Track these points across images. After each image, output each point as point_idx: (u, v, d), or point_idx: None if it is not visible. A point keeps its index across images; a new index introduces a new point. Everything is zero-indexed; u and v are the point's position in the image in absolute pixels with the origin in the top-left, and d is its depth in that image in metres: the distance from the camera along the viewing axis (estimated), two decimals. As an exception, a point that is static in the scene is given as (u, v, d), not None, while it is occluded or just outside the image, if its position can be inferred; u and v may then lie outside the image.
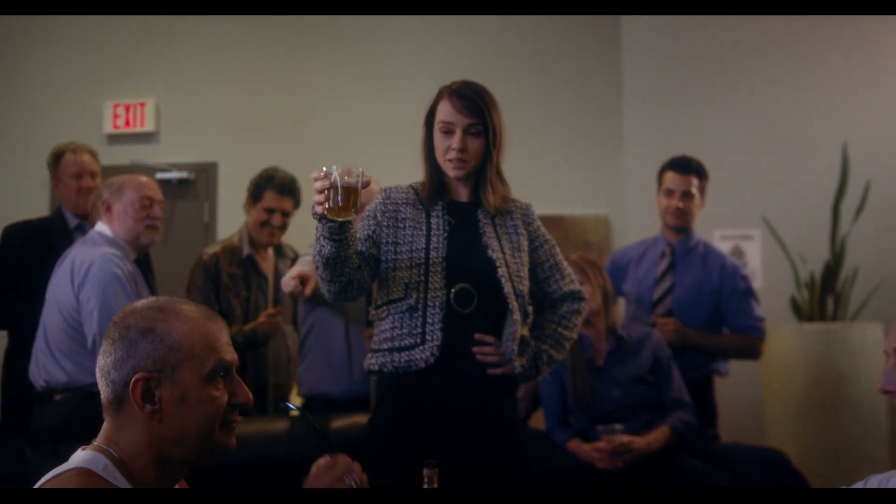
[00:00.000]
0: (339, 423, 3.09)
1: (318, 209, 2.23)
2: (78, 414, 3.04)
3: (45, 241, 3.71)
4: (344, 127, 5.64)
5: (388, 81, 5.59)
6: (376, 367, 2.49)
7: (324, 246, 2.31)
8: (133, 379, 1.49)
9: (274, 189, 3.76)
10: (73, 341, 3.08)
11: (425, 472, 2.04)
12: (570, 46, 5.50)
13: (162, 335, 1.50)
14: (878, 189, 4.57)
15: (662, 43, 5.08)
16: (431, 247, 2.45)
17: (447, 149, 2.47)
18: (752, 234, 4.91)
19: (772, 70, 4.95)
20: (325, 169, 2.19)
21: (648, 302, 3.69)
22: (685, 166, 3.70)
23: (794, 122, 4.90)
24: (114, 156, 5.64)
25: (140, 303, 1.57)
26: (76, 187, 3.80)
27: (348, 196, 2.19)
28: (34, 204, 5.56)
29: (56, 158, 3.89)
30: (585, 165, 5.46)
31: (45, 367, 3.11)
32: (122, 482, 1.48)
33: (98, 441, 1.54)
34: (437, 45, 5.51)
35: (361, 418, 3.05)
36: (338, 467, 1.60)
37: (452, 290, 2.44)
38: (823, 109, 4.88)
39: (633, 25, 5.11)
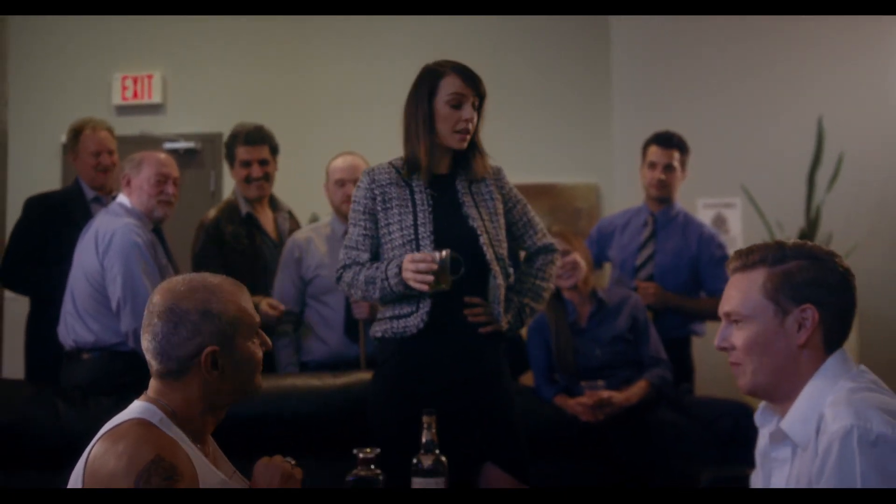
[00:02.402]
0: (344, 379, 3.34)
1: (423, 288, 2.56)
2: (104, 371, 3.28)
3: (64, 211, 3.86)
4: (343, 98, 5.82)
5: (386, 56, 5.76)
6: (379, 334, 2.74)
7: (388, 293, 2.64)
8: (204, 354, 1.76)
9: (241, 143, 3.82)
10: (99, 304, 3.28)
11: (424, 418, 2.31)
12: (564, 36, 5.70)
13: (219, 314, 1.78)
14: (850, 160, 4.78)
15: (650, 26, 5.24)
16: (419, 222, 2.66)
17: (458, 120, 2.63)
18: (733, 203, 5.14)
19: (751, 51, 5.14)
20: (427, 253, 2.57)
21: (632, 267, 3.92)
22: (667, 141, 3.91)
23: (772, 99, 5.10)
24: (122, 126, 5.76)
25: (181, 286, 1.81)
26: (94, 163, 3.91)
27: (445, 273, 2.56)
28: (47, 173, 5.74)
29: (75, 134, 3.99)
30: (577, 137, 5.67)
31: (73, 329, 3.32)
32: (175, 431, 1.74)
33: (150, 394, 1.80)
34: (435, 27, 5.65)
35: (364, 375, 3.31)
36: (280, 466, 1.84)
37: None
38: (799, 86, 5.07)
39: (622, 21, 5.31)
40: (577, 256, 3.42)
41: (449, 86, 2.64)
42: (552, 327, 3.41)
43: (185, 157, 5.87)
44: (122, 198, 3.41)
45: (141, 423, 1.72)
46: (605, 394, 3.28)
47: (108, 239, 3.25)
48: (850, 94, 5.02)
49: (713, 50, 5.21)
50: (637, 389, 3.32)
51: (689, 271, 3.87)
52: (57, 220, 3.84)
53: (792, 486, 1.71)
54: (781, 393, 1.77)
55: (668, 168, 3.90)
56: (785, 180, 4.90)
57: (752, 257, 1.79)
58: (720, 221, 5.16)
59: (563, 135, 5.68)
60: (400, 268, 2.58)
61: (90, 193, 3.95)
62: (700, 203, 5.15)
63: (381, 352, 2.79)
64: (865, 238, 4.87)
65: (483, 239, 2.68)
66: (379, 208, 2.70)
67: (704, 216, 5.12)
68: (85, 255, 3.32)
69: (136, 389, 3.17)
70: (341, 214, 3.69)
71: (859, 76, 5.04)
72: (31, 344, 3.96)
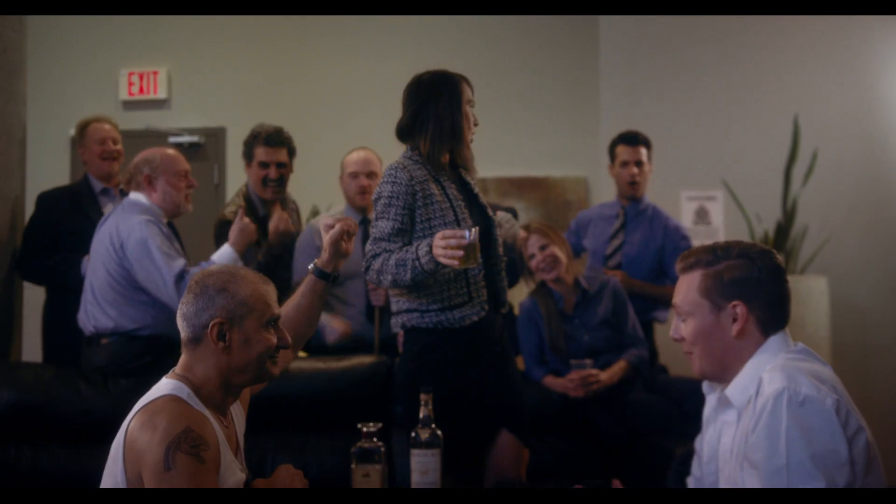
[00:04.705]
0: (347, 363, 3.57)
1: (453, 263, 2.60)
2: (122, 354, 3.49)
3: (75, 204, 4.09)
4: (344, 94, 5.98)
5: (386, 53, 5.93)
6: (431, 325, 2.81)
7: (419, 273, 2.68)
8: (211, 324, 1.98)
9: (261, 143, 3.92)
10: (117, 293, 3.47)
11: (422, 396, 2.52)
12: (555, 35, 5.89)
13: (233, 293, 2.01)
14: (825, 156, 5.00)
15: (637, 27, 5.42)
16: (459, 217, 2.82)
17: (473, 123, 2.90)
18: (715, 196, 5.35)
19: (731, 50, 5.33)
20: (458, 230, 2.65)
21: (602, 255, 4.19)
22: (634, 139, 4.20)
23: (751, 97, 5.29)
24: (129, 121, 5.92)
25: (214, 267, 2.08)
26: (100, 151, 4.13)
27: (474, 250, 2.63)
28: (56, 166, 5.92)
29: (82, 128, 4.24)
30: (567, 133, 5.84)
31: (93, 315, 3.51)
32: (199, 405, 1.96)
33: (178, 371, 2.03)
34: (433, 26, 5.83)
35: (367, 358, 3.58)
36: (300, 475, 2.09)
37: None
38: (777, 86, 5.26)
39: (610, 21, 5.50)
40: (555, 250, 3.59)
41: (467, 92, 2.89)
42: (544, 315, 3.62)
43: (189, 151, 6.05)
44: (136, 195, 3.55)
45: (173, 399, 1.93)
46: (592, 371, 3.50)
47: (126, 237, 3.42)
48: (825, 92, 5.22)
49: (696, 50, 5.39)
50: (617, 369, 3.55)
51: (655, 260, 4.13)
52: (68, 212, 4.04)
53: (738, 443, 1.94)
54: (727, 376, 2.00)
55: (639, 164, 4.18)
56: (763, 175, 5.10)
57: (690, 260, 2.04)
58: (702, 213, 5.39)
59: (553, 130, 5.88)
60: (431, 246, 2.64)
61: (98, 186, 4.17)
62: (683, 195, 5.37)
63: (419, 340, 2.85)
64: (839, 229, 5.09)
65: (498, 230, 2.95)
66: (419, 204, 2.78)
67: (688, 208, 5.37)
68: (102, 249, 3.50)
69: (152, 371, 3.44)
70: (355, 205, 3.89)
71: (833, 75, 5.23)
72: (48, 329, 4.16)
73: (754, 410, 1.87)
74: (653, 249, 4.14)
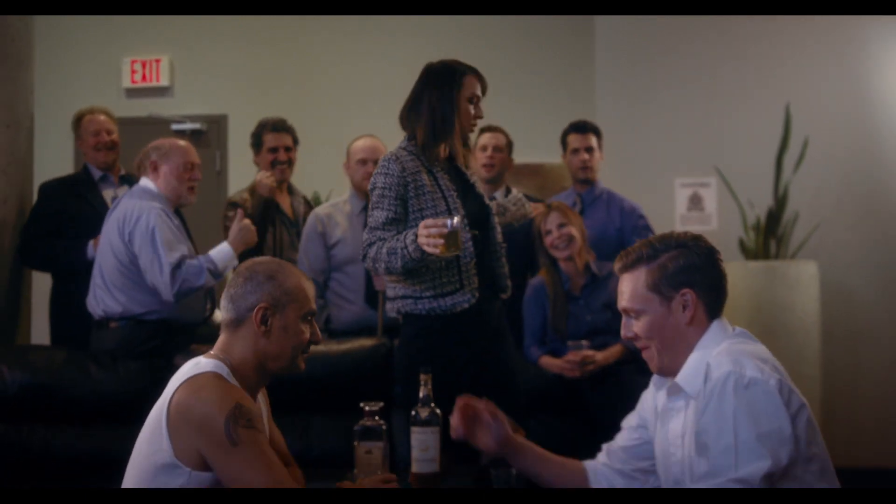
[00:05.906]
0: (347, 345, 3.69)
1: (435, 251, 2.66)
2: (131, 338, 3.60)
3: (76, 192, 4.17)
4: (344, 82, 6.08)
5: (386, 46, 6.04)
6: (424, 312, 2.89)
7: (409, 261, 2.76)
8: (257, 307, 2.09)
9: (269, 131, 4.21)
10: (126, 278, 3.57)
11: (422, 376, 2.59)
12: (554, 32, 6.04)
13: (280, 282, 2.11)
14: (815, 144, 5.08)
15: (631, 23, 5.50)
16: (451, 207, 2.87)
17: (474, 116, 2.93)
18: (708, 182, 5.45)
19: (723, 44, 5.42)
20: (440, 218, 2.70)
21: None
22: (583, 127, 4.34)
23: (743, 88, 5.39)
24: (132, 109, 6.05)
25: (263, 258, 2.19)
26: (94, 142, 4.19)
27: (456, 238, 2.69)
28: (61, 154, 5.99)
29: (77, 120, 4.30)
30: (564, 121, 5.95)
31: (102, 300, 3.61)
32: (236, 384, 2.05)
33: (215, 351, 2.12)
34: (435, 22, 5.91)
35: (366, 341, 3.68)
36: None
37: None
38: (769, 76, 5.35)
39: (605, 19, 5.59)
40: (572, 230, 3.71)
41: (470, 86, 2.91)
42: (550, 294, 3.73)
43: (191, 138, 6.11)
44: (147, 182, 3.64)
45: (217, 376, 2.03)
46: (589, 352, 3.61)
47: (134, 220, 3.51)
48: (815, 82, 5.31)
49: (689, 42, 5.47)
50: (614, 351, 3.66)
51: (616, 242, 4.21)
52: (70, 200, 4.13)
53: (687, 429, 2.00)
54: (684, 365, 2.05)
55: (589, 150, 4.31)
56: (755, 162, 5.19)
57: (630, 258, 2.07)
58: (696, 200, 5.48)
59: (551, 123, 5.95)
60: (417, 235, 2.71)
61: (97, 174, 4.24)
62: (677, 182, 5.46)
63: (414, 325, 2.93)
64: (829, 215, 5.18)
65: (495, 217, 3.02)
66: (411, 195, 2.84)
67: (681, 195, 5.47)
68: (112, 234, 3.59)
69: (160, 354, 3.57)
70: (361, 191, 4.01)
71: (823, 65, 5.31)
72: (56, 313, 4.25)
73: (703, 395, 1.93)
74: (613, 231, 4.25)
